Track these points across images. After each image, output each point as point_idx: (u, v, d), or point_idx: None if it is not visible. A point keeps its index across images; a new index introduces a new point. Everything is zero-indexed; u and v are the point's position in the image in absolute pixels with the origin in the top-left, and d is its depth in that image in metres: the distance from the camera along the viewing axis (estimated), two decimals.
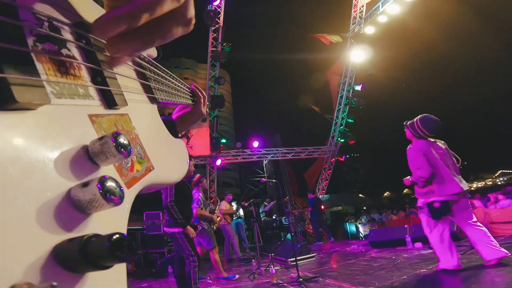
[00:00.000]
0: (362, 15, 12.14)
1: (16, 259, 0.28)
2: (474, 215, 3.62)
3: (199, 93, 0.99)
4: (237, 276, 5.20)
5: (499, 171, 33.71)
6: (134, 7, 0.36)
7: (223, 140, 11.93)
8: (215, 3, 10.09)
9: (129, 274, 6.23)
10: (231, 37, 10.82)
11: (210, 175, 12.00)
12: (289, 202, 15.52)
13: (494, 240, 3.43)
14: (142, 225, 8.00)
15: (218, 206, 7.24)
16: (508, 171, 32.40)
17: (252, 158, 13.70)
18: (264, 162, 20.97)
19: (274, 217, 10.93)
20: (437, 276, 3.52)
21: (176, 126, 0.94)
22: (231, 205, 8.21)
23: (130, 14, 0.36)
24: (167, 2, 0.37)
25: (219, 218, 6.48)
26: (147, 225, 7.50)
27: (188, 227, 3.81)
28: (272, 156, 14.28)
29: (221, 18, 10.38)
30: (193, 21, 0.42)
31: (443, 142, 3.92)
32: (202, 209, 5.18)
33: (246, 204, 8.92)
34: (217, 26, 10.40)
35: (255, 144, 12.90)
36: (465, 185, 3.57)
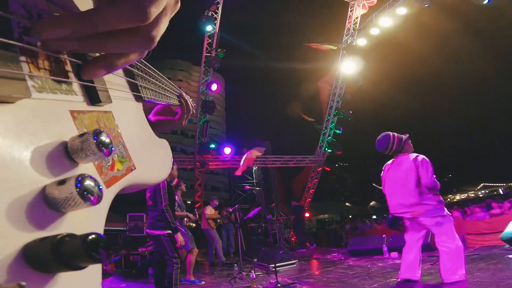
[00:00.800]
0: (356, 26, 12.35)
1: None
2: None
3: (185, 104, 0.96)
4: (203, 282, 5.16)
5: (481, 184, 34.54)
6: (78, 19, 0.35)
7: (212, 145, 11.88)
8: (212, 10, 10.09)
9: (109, 274, 6.10)
10: (226, 43, 10.84)
11: (198, 180, 11.91)
12: (276, 209, 15.52)
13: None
14: (125, 227, 7.88)
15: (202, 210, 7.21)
16: (490, 184, 33.25)
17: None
18: (254, 169, 20.97)
19: (260, 223, 10.89)
20: (403, 284, 3.63)
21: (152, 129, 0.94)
22: (215, 210, 8.17)
23: (71, 22, 0.35)
24: (123, 21, 0.35)
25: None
26: (130, 226, 7.39)
27: (178, 234, 3.89)
28: (261, 163, 14.29)
29: (217, 24, 10.41)
30: (155, 41, 0.39)
31: None
32: (176, 211, 5.18)
33: (231, 209, 8.87)
34: (212, 32, 10.42)
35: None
36: None
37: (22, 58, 0.36)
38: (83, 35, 0.36)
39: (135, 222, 7.33)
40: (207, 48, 10.66)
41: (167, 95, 0.86)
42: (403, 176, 3.64)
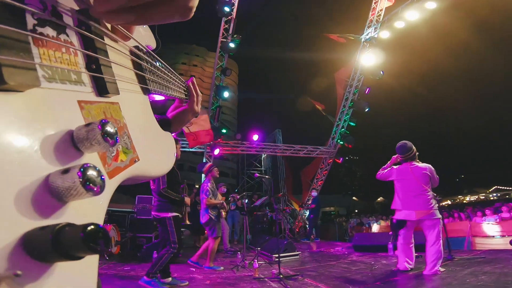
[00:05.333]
0: (379, 18, 11.97)
1: None
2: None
3: (194, 91, 0.98)
4: (221, 267, 5.24)
5: (494, 187, 33.79)
6: None
7: (224, 130, 11.91)
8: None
9: (114, 256, 6.26)
10: (244, 30, 10.70)
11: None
12: (283, 199, 15.59)
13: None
14: (133, 208, 7.96)
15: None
16: (503, 187, 32.48)
17: (251, 150, 13.70)
18: (263, 156, 21.00)
19: (266, 212, 10.98)
20: (408, 283, 3.62)
21: (171, 125, 0.95)
22: (223, 197, 8.25)
23: None
24: None
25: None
26: (138, 208, 7.50)
27: (185, 197, 4.01)
28: (271, 151, 14.29)
29: (235, 10, 10.27)
30: (192, 10, 0.45)
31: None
32: (211, 198, 5.23)
33: (238, 197, 8.96)
34: (229, 17, 10.29)
35: (255, 137, 12.86)
36: None
37: (34, 48, 0.37)
38: (136, 4, 0.41)
39: (143, 204, 7.39)
40: (223, 34, 10.56)
41: (174, 88, 0.86)
42: (417, 181, 4.16)
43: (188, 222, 4.80)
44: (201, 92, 1.02)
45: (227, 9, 9.98)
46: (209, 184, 5.32)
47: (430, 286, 3.32)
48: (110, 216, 7.63)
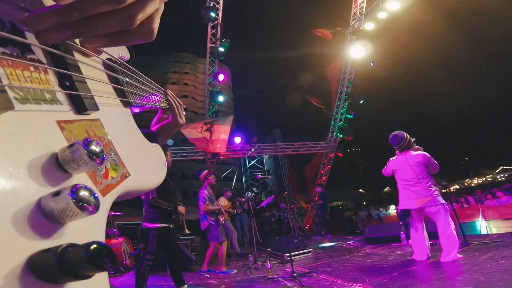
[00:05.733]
0: (362, 11, 12.05)
1: None
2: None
3: (173, 102, 0.95)
4: (235, 270, 5.24)
5: (500, 168, 33.66)
6: (65, 6, 0.37)
7: (222, 136, 11.89)
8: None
9: (129, 268, 6.26)
10: (232, 32, 10.74)
11: (209, 170, 12.00)
12: (288, 197, 15.56)
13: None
14: (142, 220, 7.98)
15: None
16: (509, 167, 32.34)
17: (252, 153, 13.69)
18: (264, 157, 20.99)
19: (273, 212, 10.95)
20: (426, 272, 3.57)
21: (157, 139, 0.93)
22: (229, 201, 8.25)
23: (60, 11, 0.37)
24: (101, 5, 0.38)
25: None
26: None
27: (179, 207, 3.92)
28: (271, 151, 14.27)
29: (220, 15, 10.28)
30: (135, 20, 0.41)
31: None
32: (208, 205, 5.24)
33: (244, 200, 8.94)
34: (216, 22, 10.30)
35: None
36: None
37: (0, 69, 0.35)
38: (72, 20, 0.38)
39: None
40: (211, 39, 10.57)
41: (154, 98, 0.85)
42: (412, 170, 4.19)
43: (187, 232, 4.72)
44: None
45: (212, 14, 10.00)
46: (205, 191, 5.37)
47: (451, 273, 3.23)
48: (121, 229, 7.64)
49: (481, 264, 3.38)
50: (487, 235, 6.26)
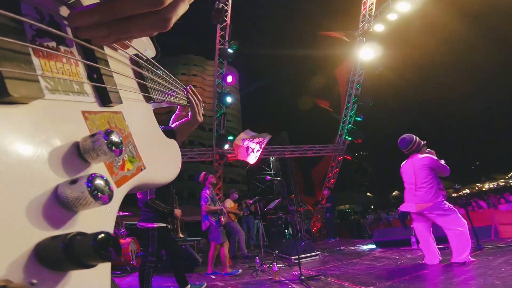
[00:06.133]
0: (371, 12, 11.98)
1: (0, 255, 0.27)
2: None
3: (193, 100, 0.96)
4: (240, 270, 5.23)
5: None
6: (103, 6, 0.39)
7: (230, 137, 11.94)
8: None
9: (137, 269, 6.30)
10: (240, 34, 10.79)
11: (217, 172, 12.05)
12: (295, 200, 15.50)
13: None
14: None
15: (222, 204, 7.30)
16: None
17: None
18: (271, 160, 20.99)
19: (280, 214, 10.91)
20: (438, 276, 3.48)
21: (175, 137, 0.94)
22: (235, 203, 8.25)
23: (98, 10, 0.40)
24: (140, 6, 0.39)
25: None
26: None
27: (175, 209, 3.86)
28: (279, 154, 14.25)
29: (228, 16, 10.35)
30: (170, 21, 0.43)
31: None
32: (210, 205, 5.25)
33: (251, 202, 8.94)
34: (224, 24, 10.36)
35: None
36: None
37: (35, 59, 0.37)
38: (109, 20, 0.40)
39: None
40: (220, 41, 10.64)
41: (175, 96, 0.86)
42: (415, 174, 4.15)
43: (181, 235, 4.65)
44: (204, 101, 1.02)
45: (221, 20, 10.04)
46: (207, 191, 5.38)
47: (464, 277, 3.16)
48: (129, 229, 7.69)
49: (496, 268, 3.30)
50: (501, 239, 6.14)
